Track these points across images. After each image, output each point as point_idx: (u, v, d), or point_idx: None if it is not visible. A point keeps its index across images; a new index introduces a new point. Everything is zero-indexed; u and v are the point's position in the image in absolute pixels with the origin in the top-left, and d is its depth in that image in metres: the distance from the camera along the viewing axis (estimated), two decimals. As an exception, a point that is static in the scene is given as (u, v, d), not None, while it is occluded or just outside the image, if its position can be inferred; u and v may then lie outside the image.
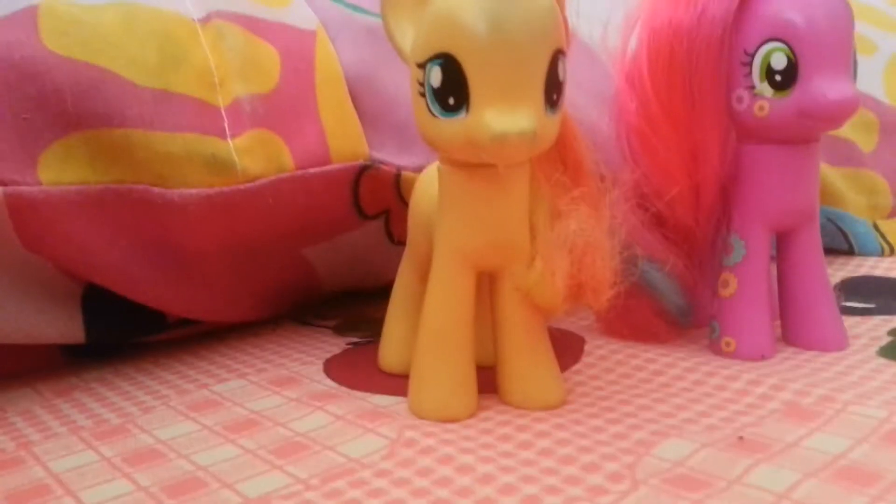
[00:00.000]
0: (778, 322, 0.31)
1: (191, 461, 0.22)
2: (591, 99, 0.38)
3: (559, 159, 0.25)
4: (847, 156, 0.44)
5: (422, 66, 0.21)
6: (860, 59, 0.51)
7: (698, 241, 0.30)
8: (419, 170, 0.32)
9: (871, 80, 0.49)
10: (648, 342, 0.31)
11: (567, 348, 0.31)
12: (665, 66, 0.28)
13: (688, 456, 0.21)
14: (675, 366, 0.29)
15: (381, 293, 0.33)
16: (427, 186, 0.27)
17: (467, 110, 0.21)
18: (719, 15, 0.27)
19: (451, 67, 0.21)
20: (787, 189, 0.29)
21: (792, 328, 0.30)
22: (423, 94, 0.22)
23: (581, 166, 0.25)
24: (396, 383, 0.27)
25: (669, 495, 0.19)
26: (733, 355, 0.29)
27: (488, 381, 0.26)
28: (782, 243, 0.30)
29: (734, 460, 0.21)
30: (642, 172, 0.29)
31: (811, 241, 0.30)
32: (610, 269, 0.23)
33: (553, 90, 0.22)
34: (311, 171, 0.30)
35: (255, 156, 0.29)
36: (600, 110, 0.38)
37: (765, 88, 0.27)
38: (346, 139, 0.31)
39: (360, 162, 0.32)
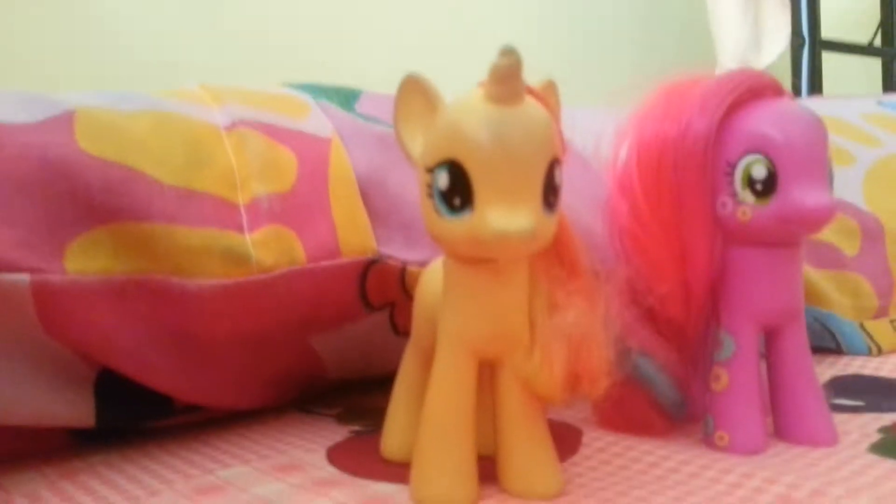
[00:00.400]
0: (770, 417, 0.32)
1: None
2: (585, 203, 0.40)
3: (556, 256, 0.26)
4: (831, 259, 0.46)
5: (430, 170, 0.24)
6: (840, 169, 0.53)
7: (689, 337, 0.32)
8: (423, 265, 0.34)
9: (851, 189, 0.52)
10: (644, 435, 0.32)
11: (565, 440, 0.31)
12: (653, 174, 0.30)
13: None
14: (671, 458, 0.29)
15: (383, 383, 0.34)
16: (431, 280, 0.29)
17: (471, 210, 0.23)
18: (703, 129, 0.29)
19: (457, 172, 0.23)
20: (772, 289, 0.30)
21: (782, 423, 0.31)
22: (430, 196, 0.24)
23: (576, 263, 0.27)
24: (399, 471, 0.28)
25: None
26: (727, 449, 0.30)
27: (488, 470, 0.26)
28: (770, 341, 0.31)
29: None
30: (635, 271, 0.31)
31: (797, 339, 0.31)
32: (605, 359, 0.25)
33: (550, 193, 0.24)
34: (322, 263, 0.32)
35: (269, 249, 0.31)
36: (594, 213, 0.40)
37: (747, 196, 0.29)
38: (355, 234, 0.33)
39: (368, 256, 0.34)
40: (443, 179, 0.23)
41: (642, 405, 0.31)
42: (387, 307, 0.36)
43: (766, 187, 0.29)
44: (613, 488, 0.26)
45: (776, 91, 0.30)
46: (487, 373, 0.27)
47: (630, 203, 0.31)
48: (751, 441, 0.30)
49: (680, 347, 0.31)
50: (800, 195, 0.28)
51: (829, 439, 0.30)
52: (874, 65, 1.26)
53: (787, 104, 0.30)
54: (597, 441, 0.32)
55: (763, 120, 0.29)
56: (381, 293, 0.35)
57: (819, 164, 0.29)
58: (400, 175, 0.36)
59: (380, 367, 0.37)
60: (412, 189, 0.36)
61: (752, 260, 0.30)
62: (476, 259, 0.24)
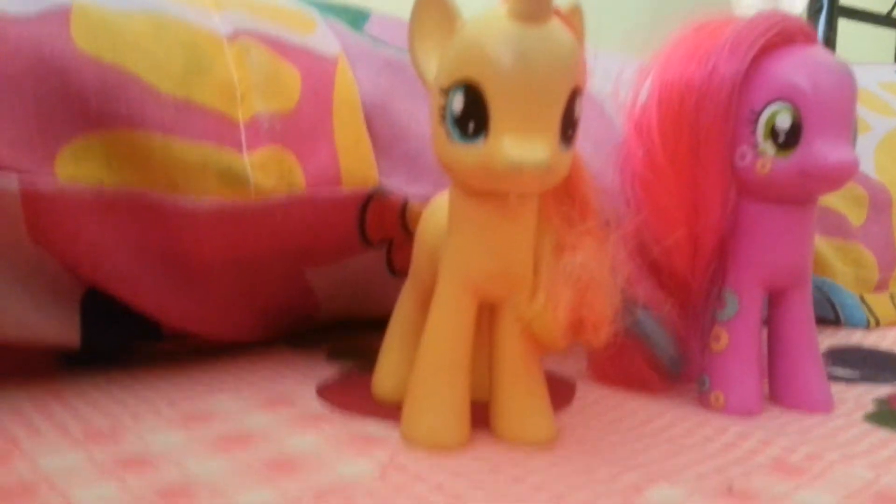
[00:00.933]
0: (766, 380, 0.31)
1: (182, 470, 0.22)
2: (598, 148, 0.39)
3: (567, 194, 0.25)
4: (837, 227, 0.45)
5: (444, 91, 0.22)
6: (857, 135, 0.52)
7: (693, 293, 0.31)
8: (426, 200, 0.32)
9: (863, 157, 0.51)
10: (639, 390, 0.31)
11: (559, 392, 0.31)
12: (674, 118, 0.29)
13: (677, 503, 0.21)
14: (665, 414, 0.29)
15: (373, 324, 0.33)
16: (434, 215, 0.27)
17: (486, 137, 0.21)
18: (729, 74, 0.28)
19: (474, 95, 0.21)
20: (782, 247, 0.29)
21: (779, 387, 0.31)
22: (443, 119, 0.22)
23: (588, 203, 0.25)
24: (389, 409, 0.27)
25: (661, 538, 0.19)
26: (722, 409, 0.29)
27: (481, 416, 0.26)
28: (774, 304, 0.31)
29: (724, 509, 0.21)
30: (643, 218, 0.30)
31: (802, 303, 0.30)
32: (611, 305, 0.24)
33: (569, 126, 0.22)
34: (322, 193, 0.31)
35: (268, 172, 0.29)
36: (605, 159, 0.39)
37: (768, 147, 0.28)
38: (358, 163, 0.32)
39: (370, 187, 0.32)
40: (458, 102, 0.22)
41: (639, 361, 0.31)
42: (384, 244, 0.35)
43: (790, 139, 0.27)
44: (606, 439, 0.26)
45: (808, 37, 0.29)
46: (486, 317, 0.26)
47: (646, 147, 0.30)
48: (747, 403, 0.29)
49: (683, 303, 0.31)
50: (823, 149, 0.27)
51: (825, 406, 0.30)
52: (888, 35, 1.23)
53: (819, 52, 0.28)
54: (591, 394, 0.31)
55: (793, 67, 0.28)
56: (380, 228, 0.34)
57: (846, 119, 0.27)
58: (407, 103, 0.34)
59: (373, 307, 0.36)
60: (419, 119, 0.34)
61: (765, 216, 0.29)
62: (485, 191, 0.23)
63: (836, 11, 1.08)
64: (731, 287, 0.30)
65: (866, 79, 0.61)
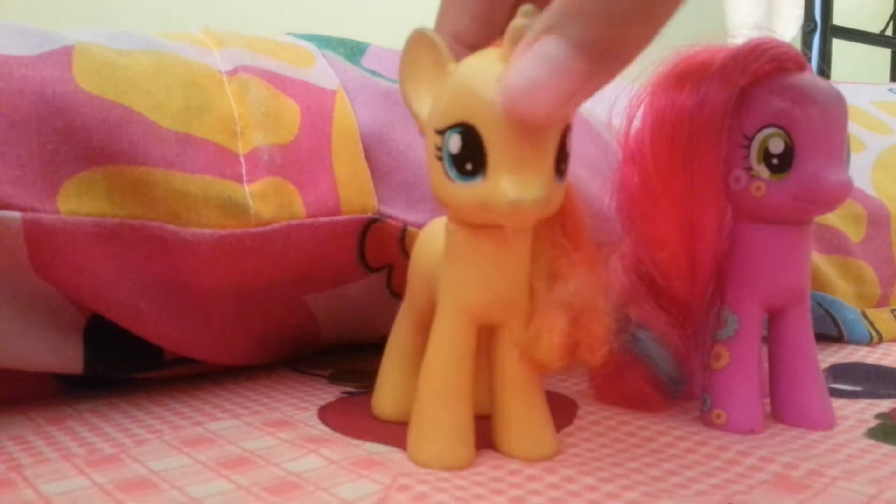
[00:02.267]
0: (767, 399, 0.31)
1: (183, 493, 0.22)
2: (593, 172, 0.40)
3: (560, 223, 0.26)
4: (837, 245, 0.45)
5: (441, 132, 0.23)
6: (851, 155, 0.53)
7: (693, 314, 0.31)
8: (424, 226, 0.33)
9: (860, 174, 0.51)
10: (640, 410, 0.31)
11: (560, 411, 0.31)
12: (667, 145, 0.30)
13: (678, 518, 0.21)
14: (667, 434, 0.29)
15: (375, 347, 0.34)
16: (429, 241, 0.28)
17: (483, 176, 0.22)
18: (720, 101, 0.28)
19: (470, 136, 0.22)
20: (779, 268, 0.30)
21: (781, 405, 0.31)
22: (440, 159, 0.23)
23: (580, 231, 0.26)
24: (391, 431, 0.27)
25: (660, 554, 0.19)
26: (724, 427, 0.29)
27: (482, 434, 0.26)
28: (773, 322, 0.31)
29: (724, 525, 0.21)
30: (642, 244, 0.30)
31: (801, 322, 0.30)
32: (605, 327, 0.24)
33: (561, 160, 0.23)
34: (321, 219, 0.31)
35: (268, 201, 0.30)
36: (600, 183, 0.40)
37: (762, 170, 0.28)
38: (356, 192, 0.33)
39: (369, 215, 0.33)
40: (455, 143, 0.22)
41: (640, 381, 0.31)
42: (384, 268, 0.35)
43: (783, 162, 0.28)
44: (608, 458, 0.26)
45: (798, 64, 0.30)
46: (486, 335, 0.26)
47: (640, 174, 0.30)
48: (748, 420, 0.29)
49: (682, 323, 0.31)
50: (817, 171, 0.27)
51: (827, 423, 0.30)
52: (882, 54, 1.25)
53: (809, 78, 0.29)
54: (592, 413, 0.31)
55: (784, 93, 0.28)
56: (380, 254, 0.34)
57: (838, 141, 0.28)
58: (404, 133, 0.35)
59: (374, 329, 0.37)
60: (416, 148, 0.35)
61: (761, 237, 0.30)
62: (481, 224, 0.24)
63: (830, 31, 1.10)
64: (730, 307, 0.30)
65: (860, 98, 0.62)
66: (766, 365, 0.31)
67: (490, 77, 0.22)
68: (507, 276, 0.25)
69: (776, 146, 0.28)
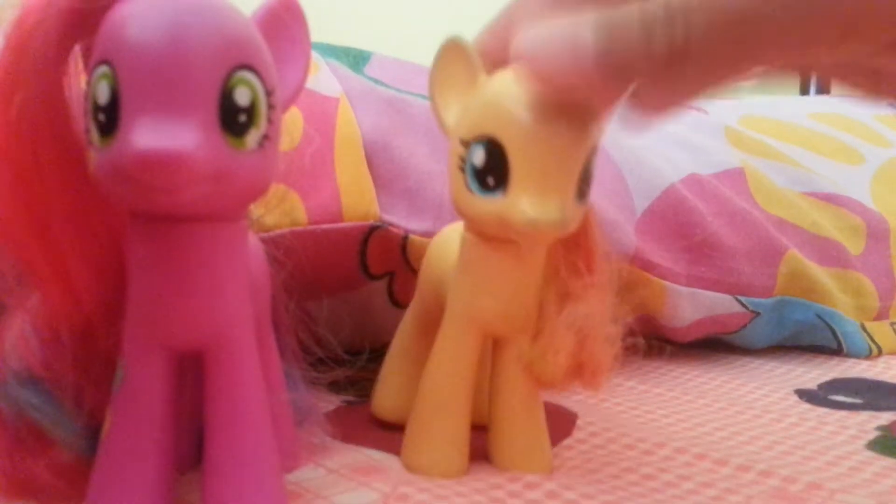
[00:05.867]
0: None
1: (183, 501, 0.22)
2: (605, 197, 0.40)
3: (576, 245, 0.26)
4: (836, 257, 0.46)
5: (465, 143, 0.23)
6: (849, 168, 0.53)
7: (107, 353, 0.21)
8: (427, 234, 0.33)
9: (859, 188, 0.51)
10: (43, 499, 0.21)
11: (559, 423, 0.31)
12: None
13: (678, 530, 0.21)
14: (665, 447, 0.29)
15: (375, 355, 0.34)
16: (442, 249, 0.28)
17: (504, 192, 0.22)
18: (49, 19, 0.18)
19: (495, 151, 0.22)
20: (172, 292, 0.19)
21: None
22: (462, 170, 0.23)
23: (594, 254, 0.26)
24: (389, 439, 0.27)
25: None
26: None
27: (480, 444, 0.26)
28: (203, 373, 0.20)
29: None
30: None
31: (227, 374, 0.20)
32: (610, 353, 0.24)
33: (584, 183, 0.23)
34: (323, 226, 0.31)
35: (270, 209, 0.30)
36: (614, 208, 0.40)
37: (93, 133, 0.18)
38: (359, 199, 0.33)
39: (371, 222, 0.33)
40: (479, 156, 0.22)
41: (37, 452, 0.21)
42: (386, 276, 0.35)
43: (110, 119, 0.17)
44: (604, 470, 0.26)
45: None
46: (489, 347, 0.26)
47: None
48: None
49: (90, 370, 0.21)
50: (128, 133, 0.17)
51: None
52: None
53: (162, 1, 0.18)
54: (591, 425, 0.31)
55: (119, 13, 0.18)
56: (382, 261, 0.34)
57: (178, 88, 0.17)
58: (406, 141, 0.35)
59: (375, 338, 0.36)
60: (418, 156, 0.35)
61: (139, 242, 0.19)
62: (496, 238, 0.24)
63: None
64: (122, 348, 0.20)
65: (861, 111, 0.62)
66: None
67: (521, 94, 0.22)
68: (519, 291, 0.25)
69: (102, 93, 0.17)
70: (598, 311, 0.24)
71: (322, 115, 0.33)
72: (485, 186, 0.22)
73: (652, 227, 0.41)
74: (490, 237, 0.24)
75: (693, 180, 0.44)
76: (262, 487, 0.20)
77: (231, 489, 0.20)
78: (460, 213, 0.24)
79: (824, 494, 0.24)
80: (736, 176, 0.46)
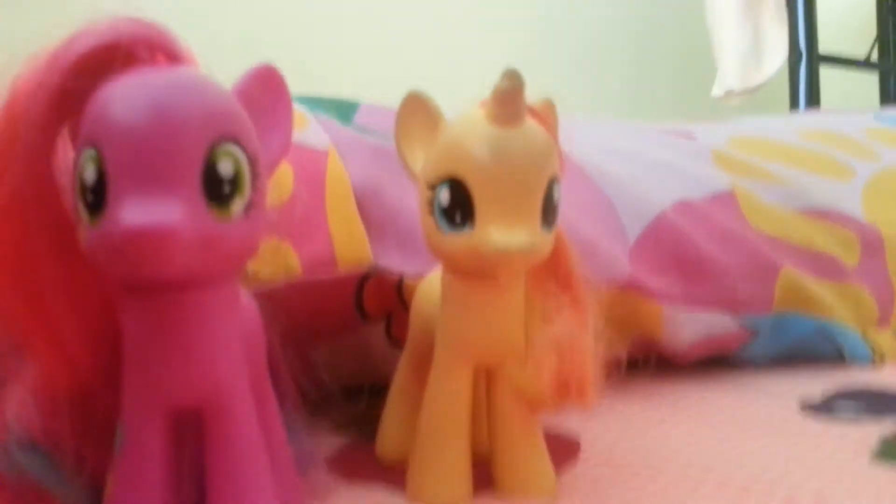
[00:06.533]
0: None
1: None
2: (584, 214, 0.41)
3: (551, 270, 0.27)
4: (831, 270, 0.46)
5: (432, 187, 0.24)
6: (839, 184, 0.54)
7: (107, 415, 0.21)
8: (420, 276, 0.34)
9: (850, 201, 0.52)
10: None
11: (562, 449, 0.31)
12: None
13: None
14: (672, 467, 0.29)
15: (376, 393, 0.34)
16: (428, 291, 0.29)
17: (472, 226, 0.23)
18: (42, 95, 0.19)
19: (459, 189, 0.23)
20: (167, 356, 0.20)
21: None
22: (431, 212, 0.24)
23: (570, 276, 0.27)
24: (395, 477, 0.28)
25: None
26: None
27: (481, 472, 0.27)
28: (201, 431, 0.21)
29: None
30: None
31: (224, 431, 0.21)
32: (593, 368, 0.25)
33: (548, 211, 0.24)
34: (318, 276, 0.32)
35: (264, 261, 0.31)
36: (593, 224, 0.41)
37: (82, 212, 0.19)
38: (351, 246, 0.33)
39: (365, 267, 0.34)
40: (444, 196, 0.24)
41: None
42: (383, 318, 0.36)
43: (98, 198, 0.18)
44: (610, 492, 0.26)
45: (171, 56, 0.20)
46: (482, 376, 0.27)
47: None
48: None
49: (90, 433, 0.21)
50: (121, 209, 0.17)
51: None
52: (871, 79, 1.27)
53: (155, 77, 0.19)
54: (597, 452, 0.31)
55: (105, 98, 0.19)
56: (378, 304, 0.35)
57: (151, 165, 0.18)
58: (396, 187, 0.36)
59: (376, 376, 0.37)
60: (408, 201, 0.36)
61: (132, 311, 0.20)
62: (474, 273, 0.25)
63: (817, 59, 1.12)
64: (121, 411, 0.21)
65: (849, 126, 0.63)
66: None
67: (477, 133, 0.23)
68: (502, 322, 0.25)
69: (89, 174, 0.18)
70: (578, 329, 0.25)
71: (312, 168, 0.34)
72: (453, 223, 0.23)
73: (645, 254, 0.41)
74: (468, 274, 0.25)
75: (683, 206, 0.44)
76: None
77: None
78: (435, 254, 0.25)
79: (829, 507, 0.24)
80: (726, 198, 0.47)
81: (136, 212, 0.17)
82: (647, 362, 0.35)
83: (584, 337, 0.25)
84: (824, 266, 0.46)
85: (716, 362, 0.45)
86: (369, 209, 0.35)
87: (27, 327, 0.20)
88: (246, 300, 0.24)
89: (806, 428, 0.33)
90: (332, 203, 0.34)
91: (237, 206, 0.19)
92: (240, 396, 0.21)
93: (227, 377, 0.20)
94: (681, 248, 0.42)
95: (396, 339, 0.36)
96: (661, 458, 0.30)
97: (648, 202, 0.43)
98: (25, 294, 0.20)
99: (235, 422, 0.21)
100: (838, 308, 0.44)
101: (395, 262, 0.35)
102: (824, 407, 0.37)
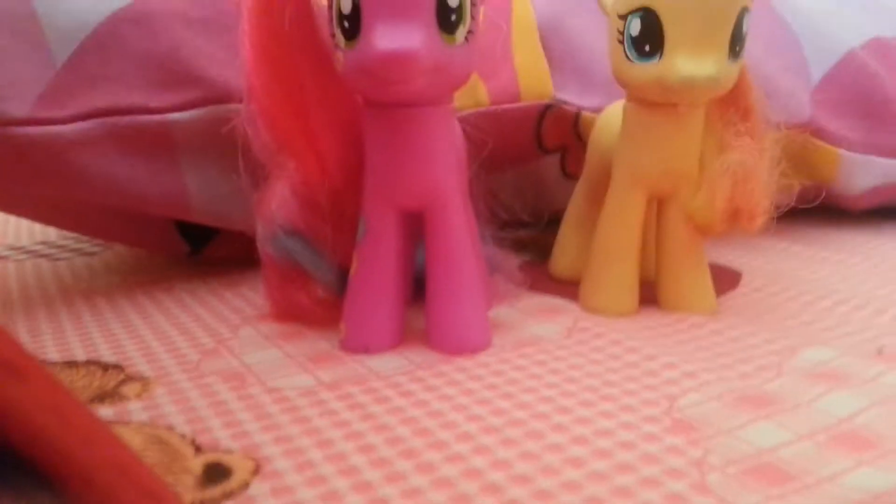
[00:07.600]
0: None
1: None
2: (767, 50, 0.40)
3: (732, 102, 0.28)
4: None
5: (623, 17, 0.25)
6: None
7: (349, 213, 0.26)
8: (597, 110, 0.36)
9: None
10: (308, 324, 0.28)
11: (724, 278, 0.34)
12: (265, 36, 0.24)
13: (828, 360, 0.24)
14: (830, 294, 0.31)
15: (550, 222, 0.38)
16: (608, 123, 0.31)
17: (660, 56, 0.25)
18: None
19: (650, 19, 0.25)
20: (403, 163, 0.24)
21: (428, 324, 0.26)
22: (621, 42, 0.26)
23: (749, 109, 0.28)
24: (568, 290, 0.32)
25: (809, 384, 0.23)
26: (342, 343, 0.26)
27: (649, 294, 0.30)
28: (424, 226, 0.26)
29: (872, 366, 0.24)
30: (270, 147, 0.25)
31: (442, 228, 0.25)
32: (766, 197, 0.26)
33: (736, 42, 0.25)
34: (503, 106, 0.35)
35: (460, 93, 0.34)
36: (775, 61, 0.40)
37: (339, 38, 0.22)
38: (535, 80, 0.36)
39: (546, 101, 0.36)
40: (635, 26, 0.25)
41: (300, 292, 0.27)
42: (559, 150, 0.39)
43: (352, 24, 0.22)
44: (768, 315, 0.29)
45: None
46: (654, 208, 0.29)
47: (251, 71, 0.24)
48: (363, 336, 0.26)
49: (340, 225, 0.26)
50: (374, 36, 0.21)
51: (473, 345, 0.26)
52: None
53: None
54: (755, 281, 0.34)
55: None
56: (556, 137, 0.38)
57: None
58: (577, 21, 0.37)
59: (548, 206, 0.41)
60: (588, 36, 0.38)
61: (379, 124, 0.24)
62: (657, 103, 0.26)
63: None
64: (362, 208, 0.25)
65: None
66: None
67: None
68: (679, 151, 0.27)
69: (346, 5, 0.22)
70: (754, 159, 0.26)
71: (500, 4, 0.36)
72: (642, 53, 0.25)
73: (829, 95, 0.40)
74: (650, 103, 0.27)
75: (876, 44, 0.42)
76: (473, 315, 0.26)
77: (450, 316, 0.26)
78: (621, 82, 0.27)
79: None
80: (927, 36, 0.44)
81: (387, 37, 0.20)
82: (817, 205, 0.36)
83: (758, 167, 0.26)
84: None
85: (887, 214, 0.44)
86: (551, 43, 0.37)
87: (293, 134, 0.25)
88: (456, 122, 0.28)
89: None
90: (518, 36, 0.36)
91: (460, 32, 0.22)
92: (454, 197, 0.25)
93: (445, 180, 0.24)
94: (867, 89, 0.40)
95: (569, 171, 0.39)
96: (818, 290, 0.32)
97: (838, 40, 0.41)
98: (293, 107, 0.24)
99: (451, 216, 0.25)
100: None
101: (573, 97, 0.37)
102: None
